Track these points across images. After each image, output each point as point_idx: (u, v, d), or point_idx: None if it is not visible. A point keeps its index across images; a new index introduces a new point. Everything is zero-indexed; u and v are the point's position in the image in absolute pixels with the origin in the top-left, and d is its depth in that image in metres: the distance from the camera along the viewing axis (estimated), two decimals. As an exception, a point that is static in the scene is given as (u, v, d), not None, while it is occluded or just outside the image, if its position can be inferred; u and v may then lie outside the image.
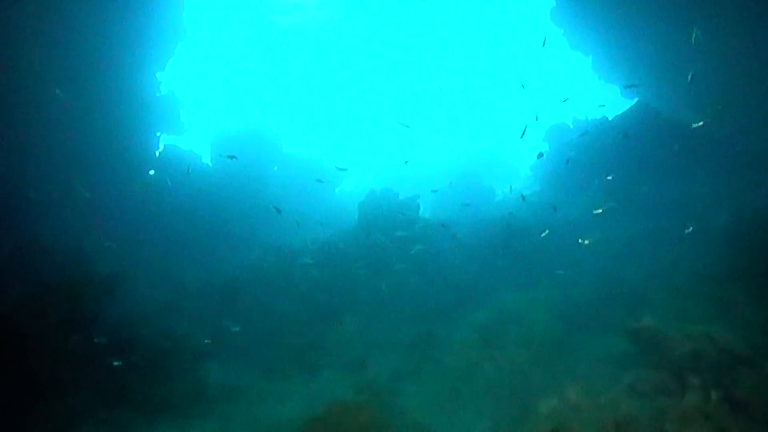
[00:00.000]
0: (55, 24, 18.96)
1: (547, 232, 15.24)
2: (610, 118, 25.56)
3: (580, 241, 15.32)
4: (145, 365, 12.84)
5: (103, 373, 12.30)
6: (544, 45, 15.37)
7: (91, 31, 20.38)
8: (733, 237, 13.84)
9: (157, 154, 25.76)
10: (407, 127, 15.67)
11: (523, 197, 16.20)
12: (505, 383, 11.28)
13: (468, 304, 15.64)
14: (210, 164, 28.11)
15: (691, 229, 14.75)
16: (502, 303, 14.99)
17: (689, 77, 16.69)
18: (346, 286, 16.81)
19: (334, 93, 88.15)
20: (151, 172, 25.21)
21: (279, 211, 15.29)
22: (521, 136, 13.35)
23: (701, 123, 15.23)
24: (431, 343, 14.03)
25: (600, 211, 15.57)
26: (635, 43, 25.36)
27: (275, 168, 30.17)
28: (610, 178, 16.50)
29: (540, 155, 13.17)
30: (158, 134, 26.27)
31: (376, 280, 16.53)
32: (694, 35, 16.47)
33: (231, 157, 14.07)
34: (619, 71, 28.06)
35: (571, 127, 29.07)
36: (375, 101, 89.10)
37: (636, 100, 26.59)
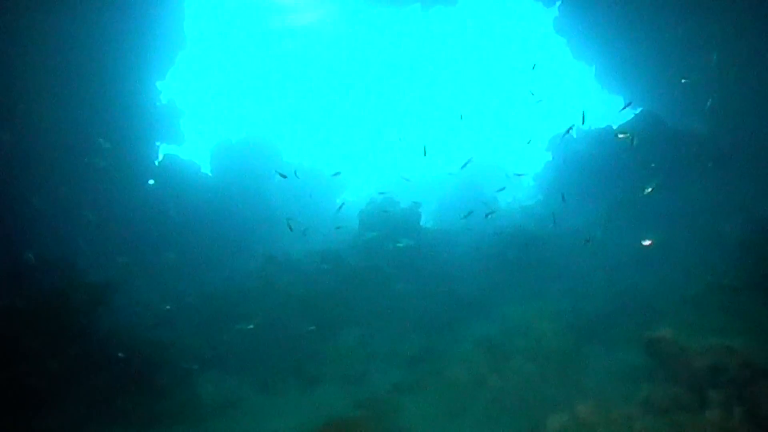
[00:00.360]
0: (55, 31, 18.83)
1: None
2: (614, 127, 25.29)
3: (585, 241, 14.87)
4: (138, 377, 12.43)
5: (94, 385, 11.91)
6: (534, 68, 15.26)
7: (92, 40, 20.27)
8: (747, 244, 13.38)
9: (157, 163, 25.54)
10: (425, 155, 14.95)
11: (563, 197, 15.62)
12: (512, 398, 10.77)
13: (472, 315, 15.17)
14: (210, 174, 27.88)
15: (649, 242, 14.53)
16: (507, 314, 14.51)
17: (708, 104, 16.51)
18: (346, 295, 16.35)
19: (336, 102, 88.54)
20: (151, 181, 24.98)
21: (291, 228, 15.13)
22: (461, 168, 13.29)
23: (629, 136, 14.66)
24: (434, 355, 13.53)
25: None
26: (638, 52, 25.21)
27: (275, 177, 29.86)
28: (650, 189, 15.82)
29: (569, 130, 12.52)
30: (158, 144, 26.08)
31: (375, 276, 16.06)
32: (715, 57, 16.38)
33: (282, 176, 13.92)
34: (622, 81, 27.89)
35: (575, 136, 28.78)
36: (377, 110, 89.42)
37: (640, 109, 26.38)
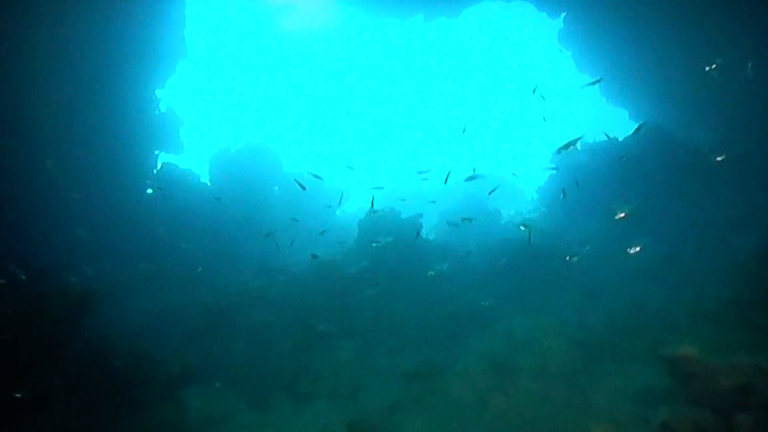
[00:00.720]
0: (53, 37, 18.55)
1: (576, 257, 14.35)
2: (620, 139, 24.86)
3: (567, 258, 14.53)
4: (121, 391, 11.78)
5: (75, 398, 11.28)
6: (534, 92, 14.98)
7: (91, 48, 20.01)
8: (763, 258, 12.72)
9: (155, 172, 25.14)
10: (425, 176, 14.28)
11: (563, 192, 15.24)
12: (517, 418, 10.06)
13: (474, 329, 14.46)
14: (208, 183, 27.44)
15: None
16: (511, 328, 13.81)
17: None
18: (343, 307, 15.68)
19: (338, 112, 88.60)
20: (149, 191, 24.55)
21: (268, 235, 14.89)
22: (445, 182, 13.07)
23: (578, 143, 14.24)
24: (434, 371, 12.78)
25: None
26: (644, 64, 24.90)
27: (276, 188, 29.40)
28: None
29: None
30: (156, 152, 25.72)
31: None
32: (750, 66, 16.13)
33: (302, 187, 13.47)
34: (627, 93, 27.57)
35: (580, 149, 28.33)
36: (380, 120, 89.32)
37: (645, 121, 25.97)
